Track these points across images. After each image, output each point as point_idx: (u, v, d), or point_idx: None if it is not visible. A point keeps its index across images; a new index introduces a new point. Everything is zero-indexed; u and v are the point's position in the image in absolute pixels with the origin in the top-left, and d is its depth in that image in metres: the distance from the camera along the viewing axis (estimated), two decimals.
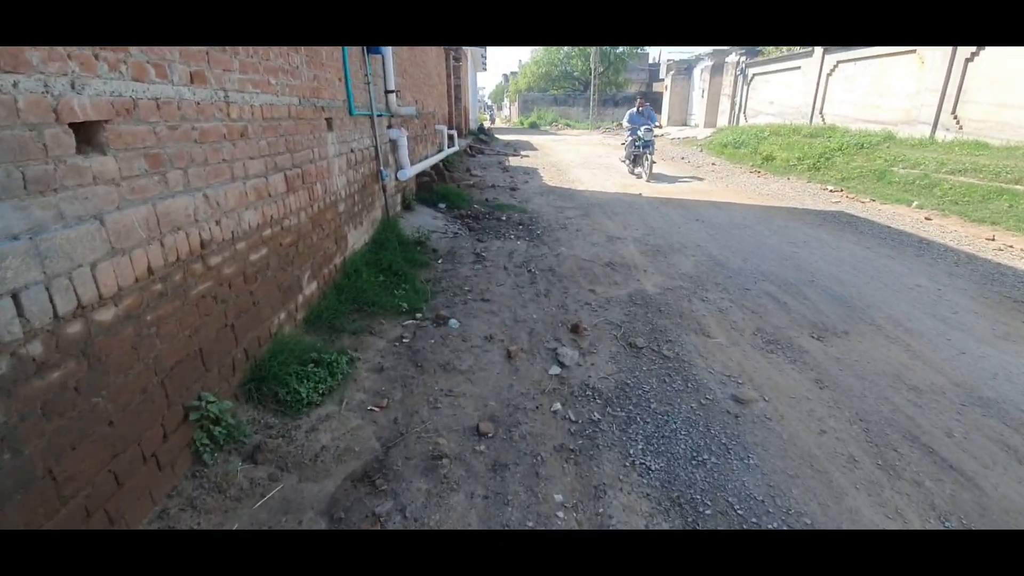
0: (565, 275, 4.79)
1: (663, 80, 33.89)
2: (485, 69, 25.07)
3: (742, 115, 18.01)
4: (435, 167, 8.68)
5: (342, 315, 3.49)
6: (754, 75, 17.30)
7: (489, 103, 70.08)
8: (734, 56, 18.31)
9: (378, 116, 5.22)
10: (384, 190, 5.41)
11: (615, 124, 31.47)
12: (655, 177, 10.87)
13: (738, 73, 17.99)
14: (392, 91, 5.62)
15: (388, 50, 5.25)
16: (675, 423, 2.60)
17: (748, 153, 12.98)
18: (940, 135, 9.97)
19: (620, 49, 36.71)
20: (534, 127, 34.45)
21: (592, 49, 34.99)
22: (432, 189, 7.62)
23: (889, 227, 6.68)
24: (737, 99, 18.11)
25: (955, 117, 9.78)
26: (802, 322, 3.83)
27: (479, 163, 13.03)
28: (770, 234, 6.30)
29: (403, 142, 5.99)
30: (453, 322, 3.67)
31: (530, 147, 18.67)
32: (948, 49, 9.63)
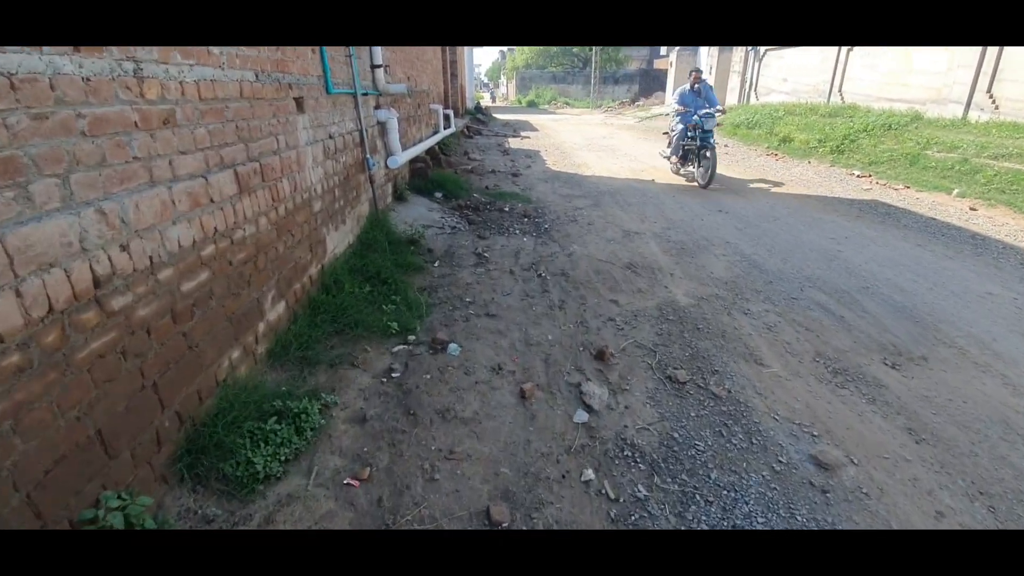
0: (581, 281, 4.15)
1: (665, 57, 32.77)
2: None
3: (753, 93, 17.16)
4: (430, 151, 7.96)
5: (317, 342, 2.85)
6: (766, 51, 16.41)
7: (485, 81, 68.52)
8: None
9: (363, 95, 4.50)
10: (371, 181, 4.73)
11: (616, 103, 30.48)
12: (719, 182, 7.95)
13: (748, 49, 17.09)
14: (379, 66, 4.89)
15: None
16: (746, 503, 2.00)
17: (763, 134, 12.22)
18: (973, 115, 9.25)
19: None
20: (532, 106, 33.41)
21: None
22: (427, 176, 6.91)
23: (934, 219, 6.04)
24: (748, 76, 17.24)
25: (991, 96, 9.05)
26: (869, 343, 3.22)
27: (477, 145, 12.26)
28: (805, 228, 5.65)
29: (393, 124, 5.28)
30: (453, 347, 3.03)
31: (530, 127, 17.82)
32: None
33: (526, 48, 42.01)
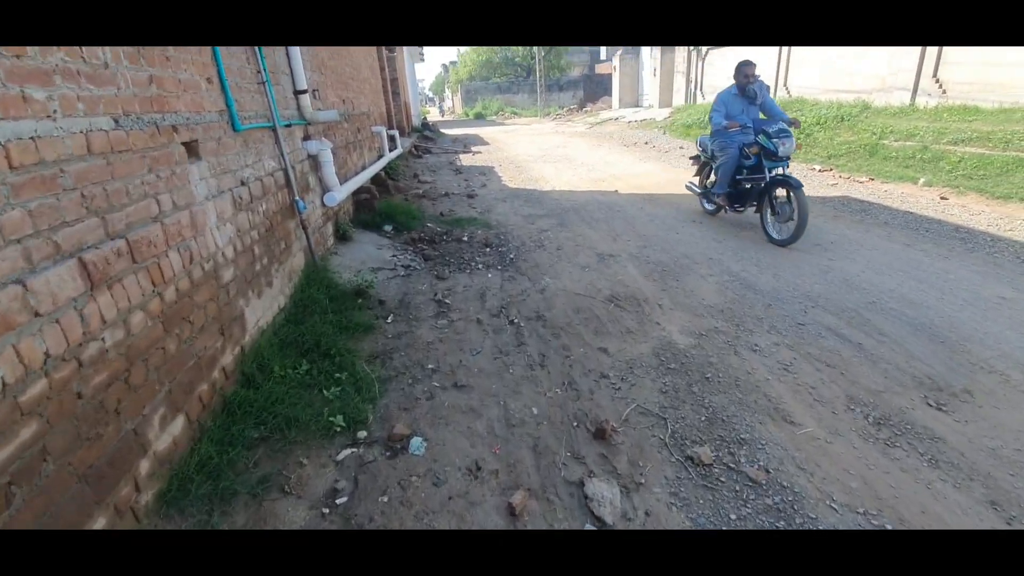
0: (560, 325, 3.59)
1: (607, 61, 33.11)
2: (423, 60, 23.36)
3: (699, 92, 17.24)
4: (376, 178, 7.29)
5: (233, 463, 2.16)
6: (708, 50, 16.51)
7: (431, 95, 67.98)
8: None
9: (286, 127, 3.83)
10: (304, 226, 4.03)
11: (564, 109, 30.44)
12: (798, 245, 4.86)
13: (691, 48, 17.17)
14: (304, 91, 4.22)
15: None
16: None
17: None
18: (921, 101, 9.32)
19: None
20: (480, 118, 33.07)
21: None
22: (374, 208, 6.23)
23: (910, 212, 5.81)
24: (693, 76, 17.32)
25: (937, 81, 9.14)
26: (901, 378, 2.78)
27: (427, 165, 11.62)
28: None
29: (327, 156, 4.61)
30: (416, 442, 2.40)
31: (480, 141, 17.32)
32: None
33: (469, 60, 41.76)
